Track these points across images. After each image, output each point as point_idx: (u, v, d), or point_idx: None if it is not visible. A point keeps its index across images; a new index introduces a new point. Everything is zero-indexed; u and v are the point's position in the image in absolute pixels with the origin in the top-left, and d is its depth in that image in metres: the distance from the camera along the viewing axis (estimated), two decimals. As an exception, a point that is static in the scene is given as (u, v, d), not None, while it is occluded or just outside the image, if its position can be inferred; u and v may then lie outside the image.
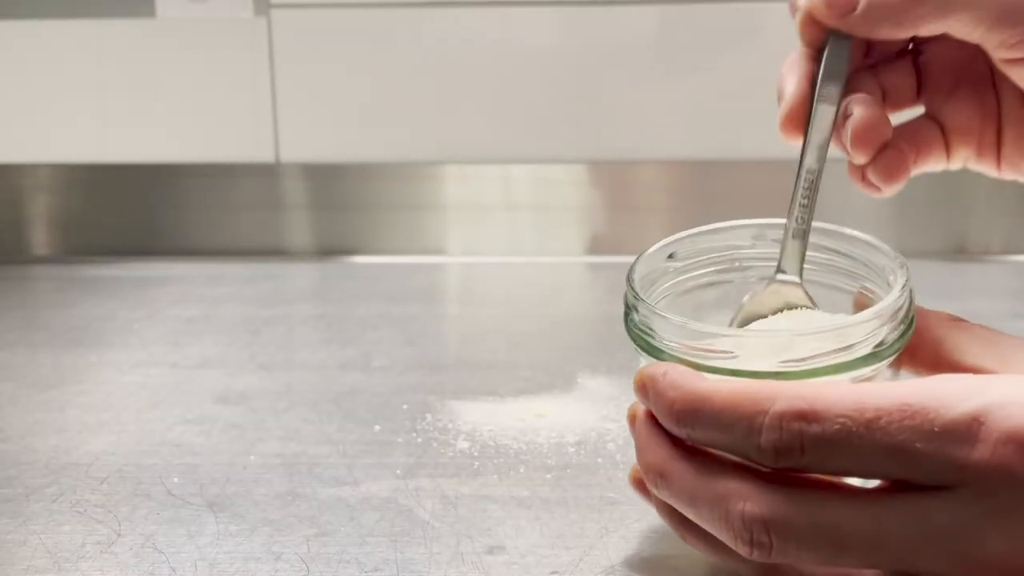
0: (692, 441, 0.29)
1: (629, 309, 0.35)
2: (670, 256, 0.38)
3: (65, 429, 0.49)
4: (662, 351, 0.33)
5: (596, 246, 0.93)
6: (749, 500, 0.26)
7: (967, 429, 0.24)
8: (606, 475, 0.44)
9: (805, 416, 0.26)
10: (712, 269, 0.39)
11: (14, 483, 0.43)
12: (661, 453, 0.30)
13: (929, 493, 0.25)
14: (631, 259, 0.39)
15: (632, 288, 0.35)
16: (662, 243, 0.38)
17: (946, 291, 0.80)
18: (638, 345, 0.34)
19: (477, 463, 0.46)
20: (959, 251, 0.93)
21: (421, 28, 0.92)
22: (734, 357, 0.32)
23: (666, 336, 0.33)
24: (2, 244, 0.96)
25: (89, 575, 0.35)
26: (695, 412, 0.28)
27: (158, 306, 0.76)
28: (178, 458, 0.45)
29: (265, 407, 0.52)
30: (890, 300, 0.33)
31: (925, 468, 0.25)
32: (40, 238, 0.96)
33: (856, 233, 0.37)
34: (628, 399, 0.53)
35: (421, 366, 0.59)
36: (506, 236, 0.93)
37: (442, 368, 0.59)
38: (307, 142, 0.94)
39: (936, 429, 0.25)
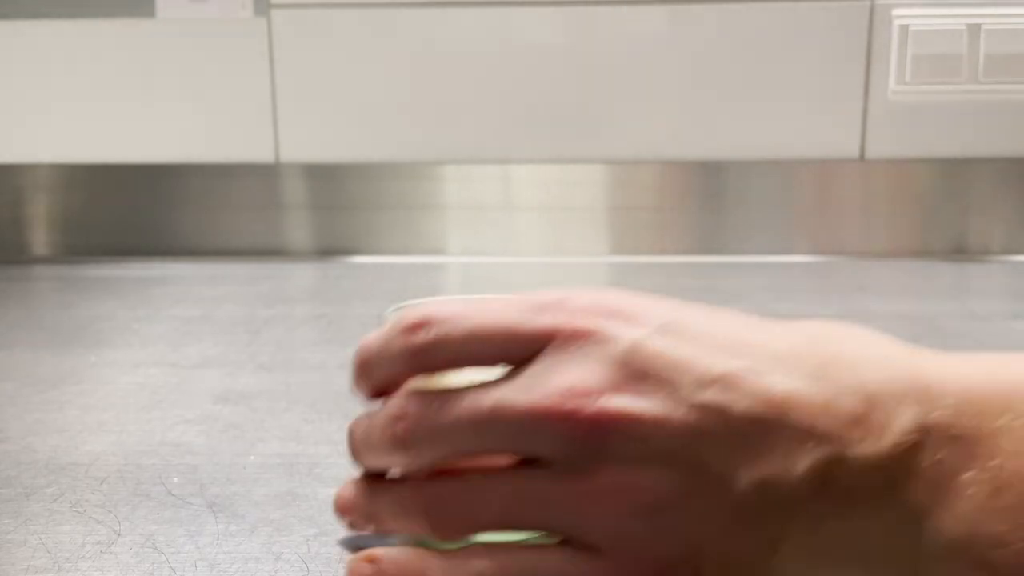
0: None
1: None
2: None
3: (65, 429, 0.49)
4: None
5: (596, 246, 0.93)
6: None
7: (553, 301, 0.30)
8: (606, 475, 0.44)
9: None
10: None
11: (14, 483, 0.43)
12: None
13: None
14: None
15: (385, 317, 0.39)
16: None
17: (946, 291, 0.80)
18: None
19: (477, 463, 0.46)
20: (959, 251, 0.93)
21: (421, 28, 0.92)
22: None
23: None
24: (2, 244, 0.96)
25: (89, 575, 0.35)
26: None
27: (158, 306, 0.76)
28: (178, 458, 0.45)
29: (265, 407, 0.52)
30: None
31: (521, 337, 0.29)
32: (40, 238, 0.96)
33: None
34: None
35: (421, 366, 0.59)
36: (506, 236, 0.93)
37: (442, 368, 0.59)
38: (307, 142, 0.94)
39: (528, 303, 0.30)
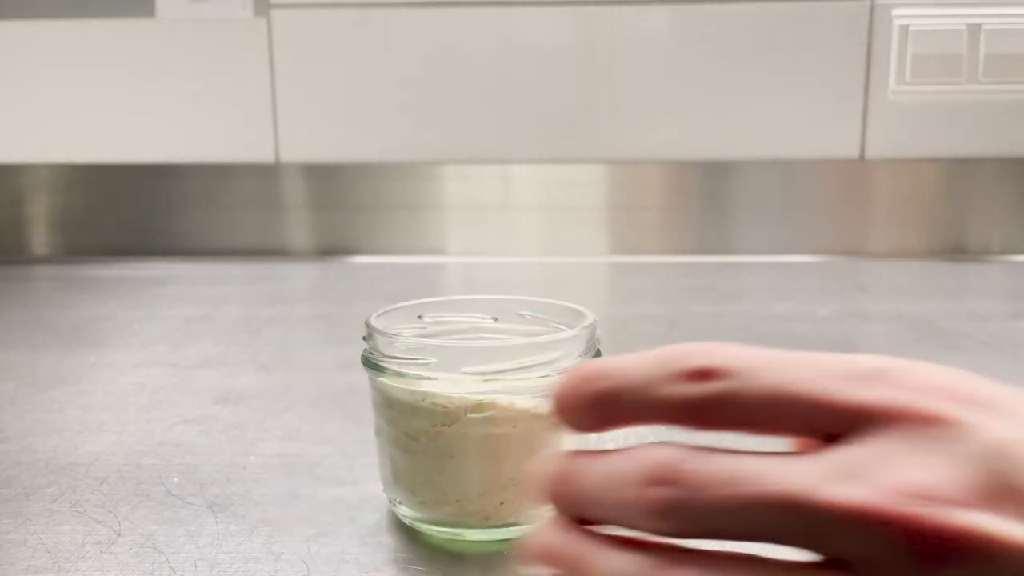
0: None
1: (364, 341, 0.39)
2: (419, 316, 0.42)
3: (65, 429, 0.49)
4: (382, 366, 0.37)
5: (596, 246, 0.93)
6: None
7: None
8: (606, 475, 0.44)
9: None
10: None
11: (14, 483, 0.43)
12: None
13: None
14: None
15: (367, 323, 0.39)
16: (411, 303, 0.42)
17: (946, 291, 0.80)
18: (364, 365, 0.38)
19: (477, 463, 0.46)
20: (959, 251, 0.93)
21: (421, 28, 0.92)
22: (428, 363, 0.36)
23: (383, 350, 0.38)
24: (2, 244, 0.96)
25: (89, 575, 0.35)
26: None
27: (158, 306, 0.76)
28: (178, 458, 0.45)
29: (265, 407, 0.52)
30: (574, 331, 0.38)
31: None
32: (40, 238, 0.96)
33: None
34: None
35: (421, 366, 0.59)
36: (506, 236, 0.93)
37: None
38: (307, 142, 0.94)
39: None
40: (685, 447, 0.23)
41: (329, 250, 0.94)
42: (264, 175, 0.94)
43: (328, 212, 0.94)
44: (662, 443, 0.24)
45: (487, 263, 0.92)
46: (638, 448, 0.24)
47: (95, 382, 0.57)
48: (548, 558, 0.26)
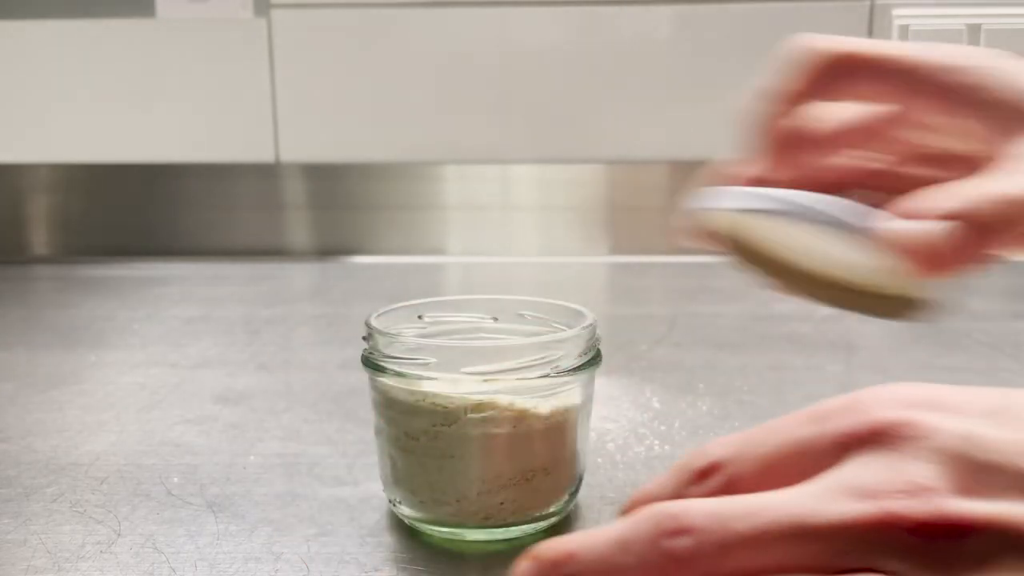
0: None
1: (364, 341, 0.39)
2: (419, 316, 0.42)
3: (65, 429, 0.49)
4: (382, 366, 0.37)
5: (596, 246, 0.93)
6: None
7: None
8: (606, 475, 0.44)
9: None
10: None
11: (14, 483, 0.43)
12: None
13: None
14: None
15: (367, 323, 0.39)
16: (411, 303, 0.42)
17: (945, 291, 0.80)
18: (364, 365, 0.38)
19: (477, 463, 0.46)
20: (959, 251, 0.93)
21: (421, 28, 0.92)
22: (428, 363, 0.36)
23: (383, 350, 0.38)
24: (2, 244, 0.96)
25: (89, 575, 0.35)
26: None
27: (158, 306, 0.76)
28: (178, 458, 0.45)
29: (265, 407, 0.52)
30: (574, 331, 0.38)
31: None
32: (40, 238, 0.96)
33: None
34: (628, 399, 0.53)
35: (421, 366, 0.59)
36: (505, 236, 0.93)
37: (442, 368, 0.59)
38: (307, 142, 0.94)
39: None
40: (683, 502, 0.24)
41: (329, 250, 0.94)
42: (264, 175, 0.94)
43: (328, 212, 0.94)
44: (661, 504, 0.24)
45: (487, 263, 0.92)
46: (637, 514, 0.24)
47: (95, 382, 0.57)
48: None
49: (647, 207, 0.93)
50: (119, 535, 0.38)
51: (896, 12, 0.89)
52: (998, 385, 0.25)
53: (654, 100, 0.93)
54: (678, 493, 0.26)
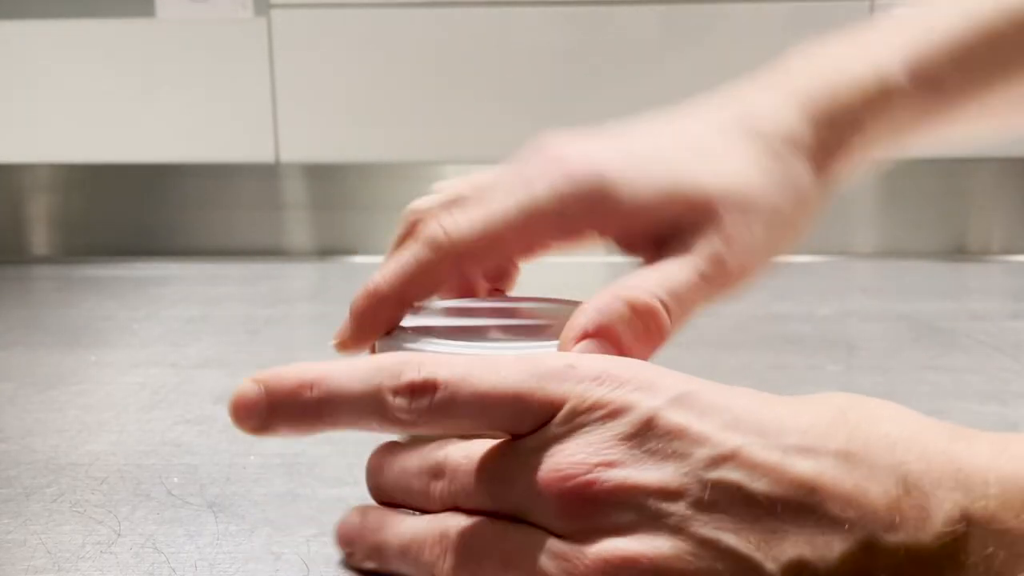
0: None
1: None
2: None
3: (65, 429, 0.49)
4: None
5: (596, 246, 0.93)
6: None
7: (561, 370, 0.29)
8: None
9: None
10: None
11: (14, 483, 0.43)
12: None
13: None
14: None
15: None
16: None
17: (946, 291, 0.80)
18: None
19: (477, 463, 0.46)
20: (959, 251, 0.93)
21: (421, 28, 0.92)
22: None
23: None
24: (2, 244, 0.96)
25: (89, 575, 0.35)
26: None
27: (158, 306, 0.76)
28: (178, 458, 0.45)
29: (265, 407, 0.52)
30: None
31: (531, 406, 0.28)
32: (40, 238, 0.96)
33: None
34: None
35: (421, 366, 0.59)
36: (506, 236, 0.93)
37: (442, 368, 0.59)
38: (307, 142, 0.94)
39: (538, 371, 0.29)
40: (447, 452, 0.31)
41: (329, 250, 0.94)
42: (264, 175, 0.94)
43: (328, 212, 0.94)
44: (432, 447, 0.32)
45: (487, 263, 0.92)
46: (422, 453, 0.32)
47: (95, 382, 0.57)
48: (342, 541, 0.34)
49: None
50: (119, 535, 0.38)
51: (896, 12, 0.89)
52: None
53: (655, 100, 0.93)
54: (381, 396, 0.29)
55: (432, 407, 0.28)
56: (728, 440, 0.26)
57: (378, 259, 0.40)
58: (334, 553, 0.36)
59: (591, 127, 0.41)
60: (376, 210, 0.94)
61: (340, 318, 0.39)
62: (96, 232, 0.95)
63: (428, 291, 0.37)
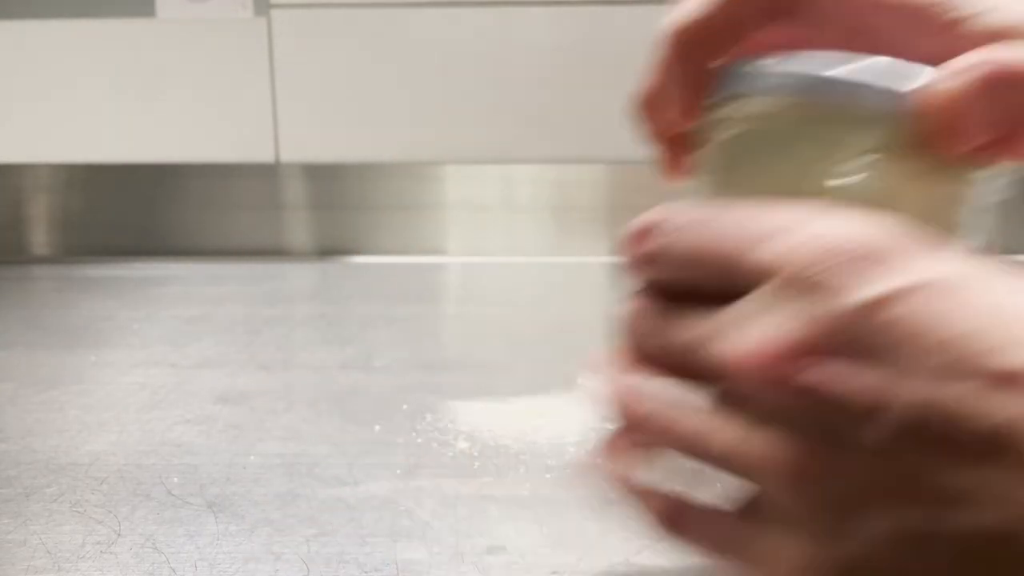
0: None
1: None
2: None
3: (65, 429, 0.49)
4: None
5: (596, 246, 0.93)
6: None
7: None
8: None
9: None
10: None
11: (14, 483, 0.43)
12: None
13: None
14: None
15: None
16: None
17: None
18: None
19: (477, 463, 0.46)
20: (959, 251, 0.93)
21: (421, 28, 0.92)
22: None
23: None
24: (2, 244, 0.96)
25: (89, 575, 0.35)
26: None
27: (158, 306, 0.76)
28: (178, 458, 0.45)
29: (265, 407, 0.52)
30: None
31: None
32: (40, 238, 0.96)
33: None
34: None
35: (421, 366, 0.59)
36: (506, 236, 0.93)
37: (442, 368, 0.59)
38: (307, 142, 0.94)
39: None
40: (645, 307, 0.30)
41: (329, 250, 0.94)
42: (264, 175, 0.94)
43: (328, 212, 0.94)
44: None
45: (487, 263, 0.92)
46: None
47: (95, 382, 0.57)
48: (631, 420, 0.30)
49: (647, 207, 0.93)
50: (119, 535, 0.38)
51: (896, 12, 0.89)
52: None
53: (654, 100, 0.93)
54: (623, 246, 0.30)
55: (647, 255, 0.29)
56: (995, 353, 0.21)
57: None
58: (334, 553, 0.36)
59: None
60: (376, 210, 0.94)
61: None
62: (96, 232, 0.95)
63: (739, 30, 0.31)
